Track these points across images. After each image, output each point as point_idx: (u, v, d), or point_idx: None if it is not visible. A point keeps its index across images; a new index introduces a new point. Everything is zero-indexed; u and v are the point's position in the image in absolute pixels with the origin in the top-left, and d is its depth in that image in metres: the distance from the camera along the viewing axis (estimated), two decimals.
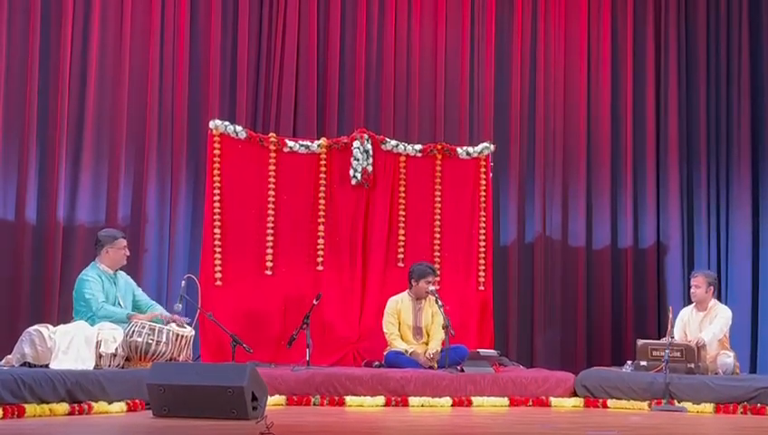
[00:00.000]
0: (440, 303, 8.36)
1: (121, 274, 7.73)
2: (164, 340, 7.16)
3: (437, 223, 9.52)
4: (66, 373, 6.38)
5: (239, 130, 9.00)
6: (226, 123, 9.00)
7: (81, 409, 6.30)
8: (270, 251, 9.01)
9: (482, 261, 9.55)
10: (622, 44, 10.86)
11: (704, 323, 8.51)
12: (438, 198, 9.54)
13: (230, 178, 8.95)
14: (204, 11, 9.64)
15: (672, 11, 10.90)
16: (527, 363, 9.75)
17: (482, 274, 9.54)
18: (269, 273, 9.00)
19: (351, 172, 9.18)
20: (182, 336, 7.31)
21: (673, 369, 7.87)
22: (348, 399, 7.70)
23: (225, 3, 9.70)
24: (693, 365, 8.05)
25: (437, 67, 10.33)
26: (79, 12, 9.13)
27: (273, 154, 9.09)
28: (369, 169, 9.24)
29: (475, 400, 7.94)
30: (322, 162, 9.20)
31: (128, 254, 7.73)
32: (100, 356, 6.88)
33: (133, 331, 7.13)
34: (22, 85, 8.89)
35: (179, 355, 7.28)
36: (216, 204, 8.87)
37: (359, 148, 9.18)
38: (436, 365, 8.28)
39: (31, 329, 6.78)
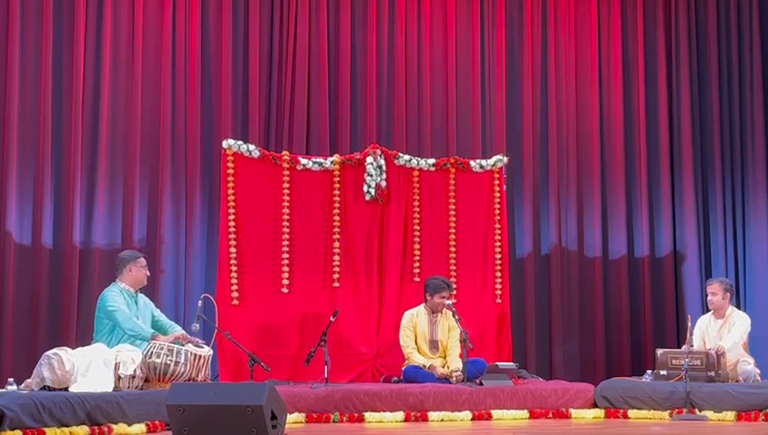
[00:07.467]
0: (457, 317, 8.35)
1: (141, 295, 7.77)
2: (182, 360, 7.17)
3: (452, 237, 9.51)
4: (86, 396, 6.39)
5: (252, 149, 9.03)
6: (239, 142, 9.02)
7: (101, 431, 6.31)
8: (286, 269, 9.02)
9: (498, 274, 9.54)
10: (633, 54, 10.86)
11: (722, 331, 8.47)
12: (453, 212, 9.54)
13: (244, 197, 8.97)
14: (215, 31, 9.68)
15: (682, 20, 10.90)
16: (546, 375, 9.72)
17: (498, 286, 9.52)
18: (285, 291, 9.01)
19: (365, 188, 9.19)
20: (200, 356, 7.32)
21: (693, 377, 7.84)
22: (367, 415, 7.69)
23: (235, 22, 9.74)
24: (713, 373, 8.00)
25: (449, 81, 10.34)
26: (90, 33, 9.19)
27: (286, 172, 9.11)
28: (383, 184, 9.25)
29: (495, 413, 7.94)
30: (336, 179, 9.21)
31: (148, 274, 7.79)
32: (119, 378, 6.89)
33: (151, 352, 7.15)
34: (35, 111, 8.94)
35: (198, 375, 7.29)
36: (231, 223, 8.90)
37: (372, 163, 9.19)
38: (454, 380, 8.25)
39: (50, 352, 6.79)
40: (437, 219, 9.51)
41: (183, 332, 7.62)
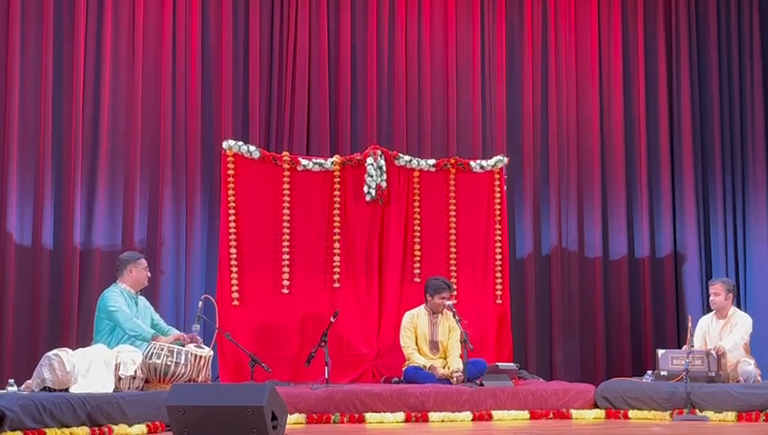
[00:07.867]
0: (458, 317, 8.34)
1: (142, 297, 7.77)
2: (183, 361, 7.16)
3: (453, 237, 9.51)
4: (86, 397, 6.39)
5: (253, 150, 9.03)
6: (240, 143, 9.02)
7: (101, 432, 6.30)
8: (286, 269, 9.02)
9: (498, 274, 9.54)
10: (633, 54, 10.86)
11: (724, 331, 8.47)
12: (453, 213, 9.54)
13: (245, 198, 8.97)
14: (215, 32, 9.69)
15: (682, 19, 10.91)
16: (547, 376, 9.73)
17: (499, 287, 9.52)
18: (286, 291, 9.01)
19: (365, 189, 9.19)
20: (201, 357, 7.31)
21: (694, 378, 7.84)
22: (368, 416, 7.68)
23: (236, 23, 9.74)
24: (714, 374, 8.00)
25: (449, 81, 10.34)
26: (91, 35, 9.19)
27: (287, 173, 9.11)
28: (383, 185, 9.25)
29: (496, 414, 7.94)
30: (336, 179, 9.21)
31: (149, 275, 7.79)
32: (119, 379, 6.88)
33: (152, 353, 7.14)
34: (36, 111, 8.94)
35: (198, 376, 7.28)
36: (232, 224, 8.90)
37: (372, 164, 9.19)
38: (455, 380, 8.25)
39: (50, 353, 6.78)
40: (438, 220, 9.51)
41: (182, 333, 7.61)
